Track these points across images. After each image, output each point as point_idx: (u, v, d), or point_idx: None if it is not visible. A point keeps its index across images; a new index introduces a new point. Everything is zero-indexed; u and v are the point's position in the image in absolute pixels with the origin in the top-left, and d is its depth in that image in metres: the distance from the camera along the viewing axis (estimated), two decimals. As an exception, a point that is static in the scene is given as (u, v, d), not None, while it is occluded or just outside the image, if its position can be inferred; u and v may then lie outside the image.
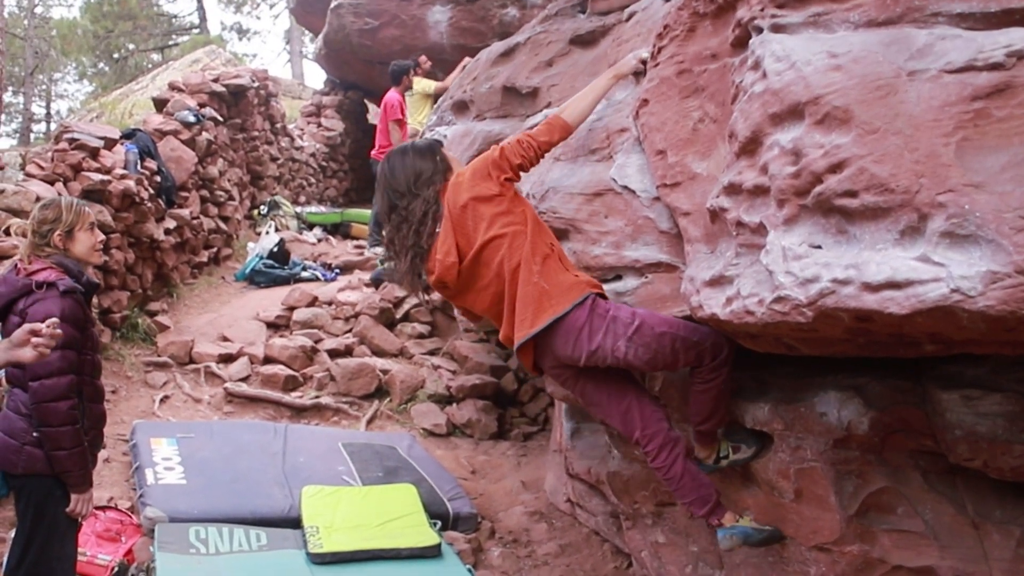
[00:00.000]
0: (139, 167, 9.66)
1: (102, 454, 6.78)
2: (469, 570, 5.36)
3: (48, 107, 37.82)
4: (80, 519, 4.20)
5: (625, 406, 4.07)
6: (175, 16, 37.18)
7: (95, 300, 8.21)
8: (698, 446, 4.16)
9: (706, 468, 4.15)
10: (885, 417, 3.62)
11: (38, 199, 7.56)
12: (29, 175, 8.13)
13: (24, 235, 4.19)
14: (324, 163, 17.24)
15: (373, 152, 12.58)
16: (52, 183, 8.09)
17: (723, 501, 4.10)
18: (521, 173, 4.15)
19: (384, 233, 4.39)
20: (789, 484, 3.91)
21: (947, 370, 3.50)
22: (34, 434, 3.99)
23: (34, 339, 3.03)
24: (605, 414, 4.25)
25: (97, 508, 5.71)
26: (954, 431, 3.38)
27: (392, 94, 12.07)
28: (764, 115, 2.83)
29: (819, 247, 2.65)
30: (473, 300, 4.22)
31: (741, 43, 3.21)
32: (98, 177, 8.54)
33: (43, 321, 3.70)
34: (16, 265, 4.11)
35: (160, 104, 12.19)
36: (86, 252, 4.17)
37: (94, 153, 8.86)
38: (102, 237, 4.14)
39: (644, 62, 4.12)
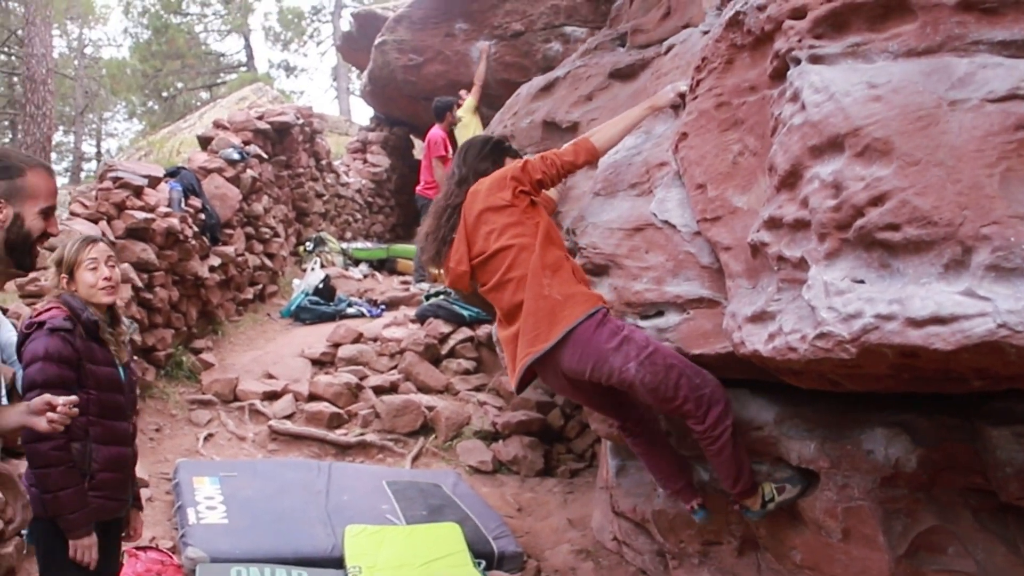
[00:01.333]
0: (183, 205, 9.73)
1: (145, 492, 6.81)
2: (513, 610, 5.30)
3: (98, 146, 38.46)
4: (87, 566, 3.97)
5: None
6: (223, 55, 37.77)
7: (139, 339, 8.27)
8: (741, 503, 4.09)
9: (755, 515, 4.08)
10: (933, 454, 3.54)
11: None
12: (73, 214, 8.22)
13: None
14: (370, 199, 17.30)
15: (418, 188, 12.61)
16: (96, 221, 8.16)
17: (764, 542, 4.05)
18: (541, 189, 4.22)
19: None
20: (836, 524, 3.82)
21: (996, 406, 3.43)
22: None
23: (49, 414, 3.01)
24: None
25: (138, 548, 5.71)
26: (1005, 468, 3.29)
27: (435, 131, 12.13)
28: (803, 148, 2.78)
29: (862, 282, 2.59)
30: (496, 300, 4.27)
31: (779, 75, 3.16)
32: (142, 215, 8.61)
33: (29, 362, 3.81)
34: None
35: (204, 142, 12.30)
36: (87, 292, 4.11)
37: (138, 191, 8.94)
38: (107, 274, 4.05)
39: (683, 95, 4.09)
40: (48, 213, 2.88)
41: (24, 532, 4.05)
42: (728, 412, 3.89)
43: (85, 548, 3.92)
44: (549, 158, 4.17)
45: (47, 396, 3.05)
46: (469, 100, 12.47)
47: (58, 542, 3.92)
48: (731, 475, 3.98)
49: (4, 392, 3.44)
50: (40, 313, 3.97)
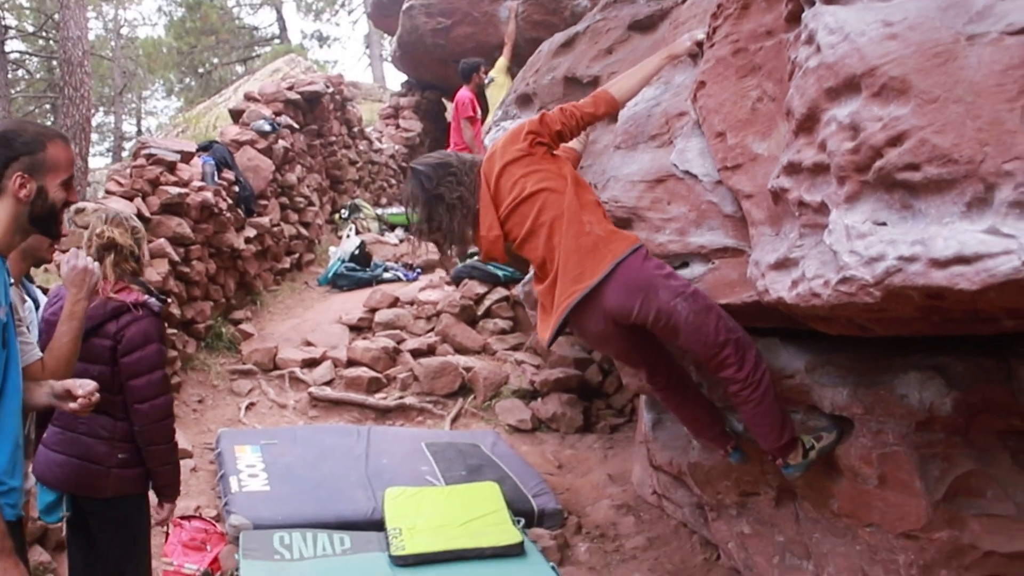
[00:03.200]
0: (216, 178, 9.79)
1: (189, 463, 6.91)
2: (553, 568, 5.30)
3: (138, 125, 38.70)
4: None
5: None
6: (256, 28, 37.73)
7: (178, 312, 8.35)
8: (783, 459, 3.98)
9: (798, 468, 3.96)
10: (969, 397, 3.50)
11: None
12: (109, 192, 8.30)
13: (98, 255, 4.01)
14: (404, 164, 17.26)
15: (448, 150, 12.54)
16: (131, 199, 8.23)
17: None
18: (560, 140, 4.13)
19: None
20: (872, 470, 3.79)
21: (1032, 345, 3.37)
22: (120, 456, 3.98)
23: (70, 404, 3.04)
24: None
25: (182, 518, 5.80)
26: (1042, 409, 3.25)
27: (463, 92, 12.04)
28: (820, 90, 2.73)
29: (884, 224, 2.54)
30: (530, 251, 4.14)
31: (795, 17, 3.11)
32: (176, 190, 8.66)
33: (141, 345, 3.92)
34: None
35: (236, 115, 12.34)
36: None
37: (171, 167, 9.00)
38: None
39: (700, 44, 4.03)
40: (68, 183, 2.94)
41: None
42: (762, 357, 3.84)
43: (172, 509, 4.29)
44: (568, 109, 4.09)
45: (68, 383, 3.08)
46: (501, 60, 12.38)
47: (140, 516, 4.15)
48: (775, 425, 3.87)
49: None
50: (127, 293, 3.98)
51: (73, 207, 3.47)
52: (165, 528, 4.66)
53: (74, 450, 3.93)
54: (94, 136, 30.22)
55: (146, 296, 4.04)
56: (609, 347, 4.29)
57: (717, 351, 3.77)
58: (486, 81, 12.31)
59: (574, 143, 4.44)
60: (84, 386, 3.09)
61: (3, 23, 24.26)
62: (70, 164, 2.94)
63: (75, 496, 3.98)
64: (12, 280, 3.14)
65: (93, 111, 21.67)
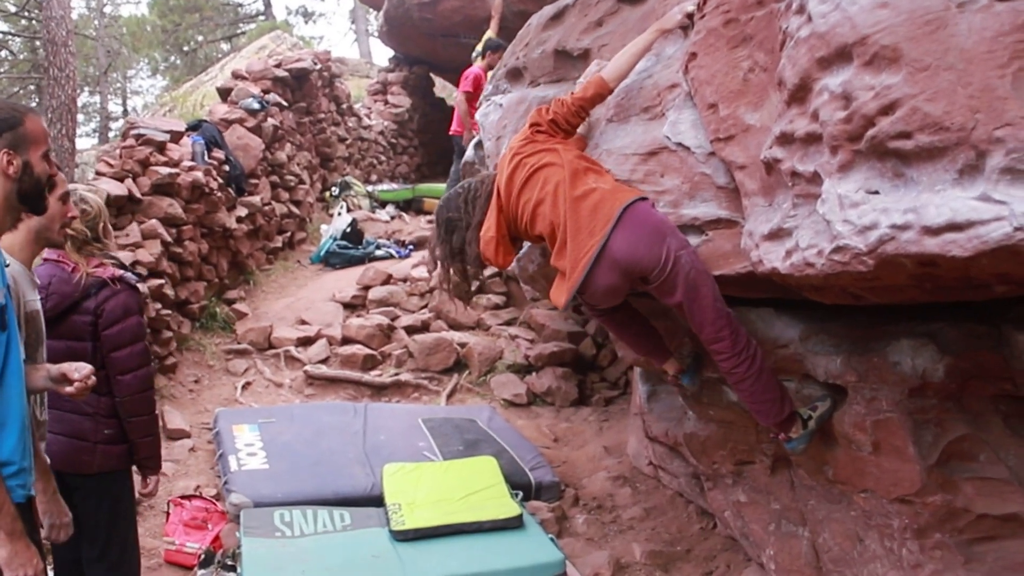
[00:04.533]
0: (206, 158, 9.76)
1: (187, 443, 6.93)
2: (551, 539, 5.34)
3: (124, 104, 38.44)
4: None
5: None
6: (240, 5, 37.46)
7: (172, 292, 8.35)
8: (784, 433, 4.00)
9: (800, 441, 3.99)
10: (961, 363, 3.52)
11: (108, 197, 7.69)
12: (99, 173, 8.27)
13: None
14: (393, 140, 17.25)
15: (451, 128, 12.38)
16: (121, 179, 8.21)
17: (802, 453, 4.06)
18: (557, 128, 4.18)
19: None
20: (866, 437, 3.82)
21: (1023, 311, 3.39)
22: (106, 431, 4.04)
23: (67, 388, 3.06)
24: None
25: (183, 497, 5.83)
26: (1033, 373, 3.27)
27: (474, 67, 11.89)
28: (811, 60, 2.74)
29: (876, 192, 2.56)
30: (541, 226, 4.13)
31: (786, -13, 3.11)
32: (166, 171, 8.65)
33: (122, 318, 3.97)
34: (63, 263, 3.99)
35: (224, 94, 12.30)
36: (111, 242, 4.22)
37: (161, 147, 8.98)
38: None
39: (690, 15, 4.03)
40: (47, 156, 2.92)
41: None
42: (750, 339, 3.86)
43: (157, 481, 4.37)
44: (559, 99, 4.18)
45: (64, 367, 3.10)
46: (488, 34, 12.33)
47: (126, 490, 4.25)
48: (774, 401, 3.90)
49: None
50: (103, 269, 4.02)
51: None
52: (151, 502, 4.69)
53: (60, 428, 3.96)
54: (80, 117, 29.96)
55: (122, 271, 4.10)
56: (615, 299, 4.24)
57: (713, 317, 3.77)
58: (473, 56, 12.26)
59: (581, 128, 4.45)
60: (80, 369, 3.10)
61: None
62: (46, 136, 2.94)
63: (61, 474, 3.88)
64: (7, 263, 3.15)
65: (78, 91, 21.50)
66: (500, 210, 4.25)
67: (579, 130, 4.44)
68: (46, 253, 3.91)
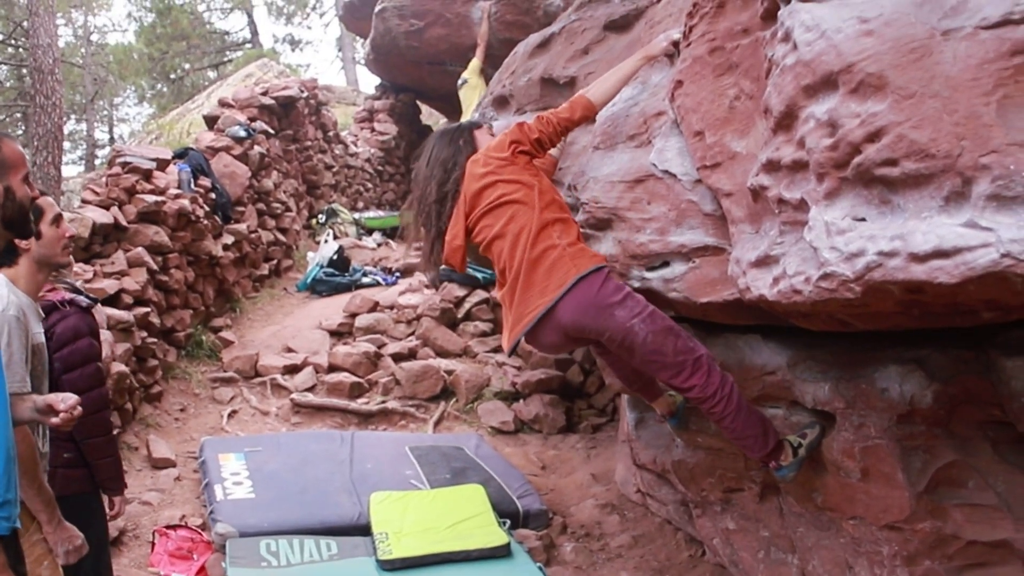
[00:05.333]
0: (193, 185, 9.75)
1: (173, 472, 6.88)
2: (539, 568, 5.32)
3: (111, 132, 38.43)
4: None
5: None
6: (227, 32, 37.55)
7: (158, 320, 8.31)
8: (775, 461, 3.99)
9: (791, 469, 3.98)
10: (949, 389, 3.53)
11: (94, 225, 7.67)
12: (85, 201, 8.23)
13: None
14: (380, 167, 17.27)
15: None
16: (107, 207, 8.18)
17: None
18: (540, 148, 4.20)
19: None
20: (855, 464, 3.81)
21: (1010, 336, 3.39)
22: (65, 455, 4.04)
23: (52, 419, 3.04)
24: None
25: (168, 527, 5.78)
26: (1021, 399, 3.28)
27: None
28: (797, 88, 2.74)
29: (863, 219, 2.56)
30: (496, 253, 4.20)
31: (771, 15, 3.12)
32: (152, 199, 8.62)
33: (72, 340, 3.99)
34: None
35: (211, 121, 12.30)
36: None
37: (147, 175, 8.96)
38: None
39: (676, 43, 4.05)
40: (27, 179, 2.89)
41: None
42: (724, 376, 3.88)
43: (123, 502, 4.35)
44: (545, 117, 4.16)
45: (50, 398, 3.08)
46: (474, 62, 12.37)
47: (94, 514, 4.22)
48: (758, 432, 3.91)
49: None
50: (55, 293, 4.04)
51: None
52: (136, 532, 4.77)
53: None
54: (66, 144, 29.95)
55: (73, 294, 4.12)
56: (560, 352, 4.43)
57: (676, 371, 3.86)
58: (459, 83, 12.30)
59: (552, 150, 4.48)
60: (66, 400, 3.08)
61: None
62: (24, 159, 2.91)
63: None
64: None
65: (65, 119, 21.52)
66: (465, 217, 4.26)
67: (552, 152, 4.49)
68: None
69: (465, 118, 12.04)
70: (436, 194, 4.30)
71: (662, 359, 3.84)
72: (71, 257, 3.71)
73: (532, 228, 3.96)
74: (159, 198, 8.77)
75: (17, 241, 3.28)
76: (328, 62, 71.52)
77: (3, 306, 3.19)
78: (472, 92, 12.05)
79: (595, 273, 3.89)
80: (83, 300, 4.15)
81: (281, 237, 12.58)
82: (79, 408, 3.11)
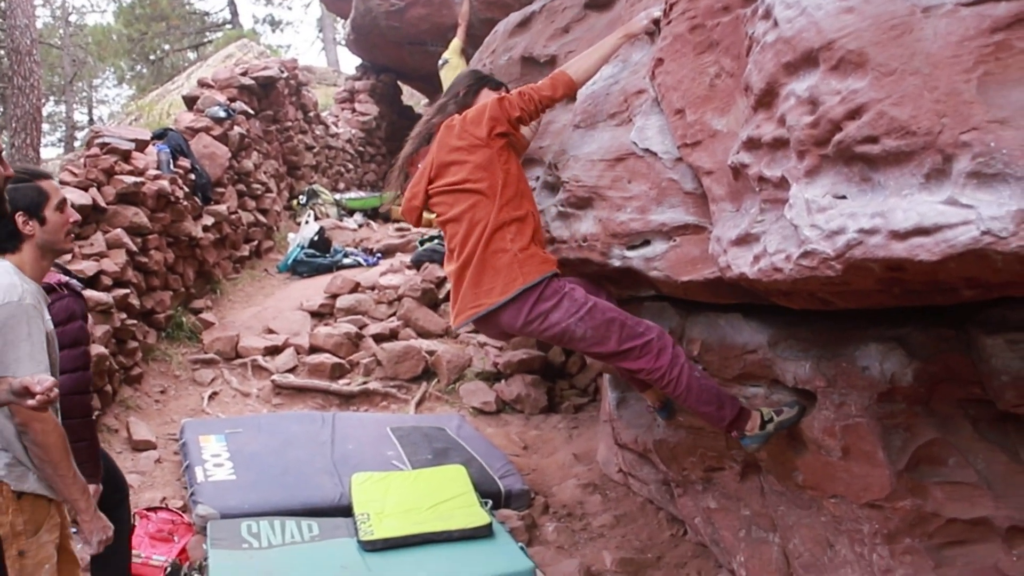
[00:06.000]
0: (172, 166, 9.67)
1: (153, 454, 6.86)
2: (521, 548, 5.31)
3: (90, 114, 38.13)
4: None
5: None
6: (207, 13, 37.20)
7: (137, 302, 8.27)
8: (740, 431, 4.06)
9: (756, 440, 4.03)
10: (930, 367, 3.53)
11: (73, 206, 7.60)
12: (63, 182, 8.14)
13: None
14: (361, 148, 17.21)
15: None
16: (86, 188, 8.10)
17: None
18: (520, 125, 4.24)
19: None
20: (836, 442, 3.82)
21: (991, 314, 3.39)
22: None
23: (28, 401, 3.02)
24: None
25: (149, 509, 5.76)
26: (1001, 377, 3.27)
27: None
28: (778, 65, 2.73)
29: (843, 197, 2.55)
30: (451, 232, 4.29)
31: (752, -8, 3.10)
32: (131, 180, 8.55)
33: (65, 321, 3.98)
34: None
35: (190, 102, 12.20)
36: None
37: (126, 156, 8.88)
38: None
39: (656, 21, 4.03)
40: (0, 157, 2.88)
41: None
42: (680, 351, 4.00)
43: (98, 492, 4.17)
44: (527, 93, 4.14)
45: (25, 380, 3.05)
46: (455, 42, 12.31)
47: None
48: (712, 403, 4.01)
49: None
50: (50, 275, 4.02)
51: None
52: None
53: None
54: (45, 126, 29.63)
55: (67, 277, 4.19)
56: (508, 340, 4.62)
57: (622, 357, 4.02)
58: (440, 63, 12.24)
59: (525, 130, 4.48)
60: (42, 382, 3.06)
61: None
62: None
63: None
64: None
65: (43, 101, 21.31)
66: (428, 182, 4.32)
67: (526, 132, 4.50)
68: None
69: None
70: (430, 126, 4.47)
71: (605, 349, 4.01)
72: (74, 243, 3.71)
73: (488, 226, 4.06)
74: (138, 179, 8.70)
75: (21, 226, 3.34)
76: (309, 43, 70.89)
77: (19, 296, 3.19)
78: (453, 72, 11.98)
79: (538, 285, 4.01)
80: (76, 284, 4.19)
81: (261, 218, 12.52)
82: (56, 391, 3.09)
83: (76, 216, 3.68)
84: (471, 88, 4.51)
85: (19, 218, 3.36)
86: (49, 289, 3.97)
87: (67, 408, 4.00)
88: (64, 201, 3.55)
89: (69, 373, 4.03)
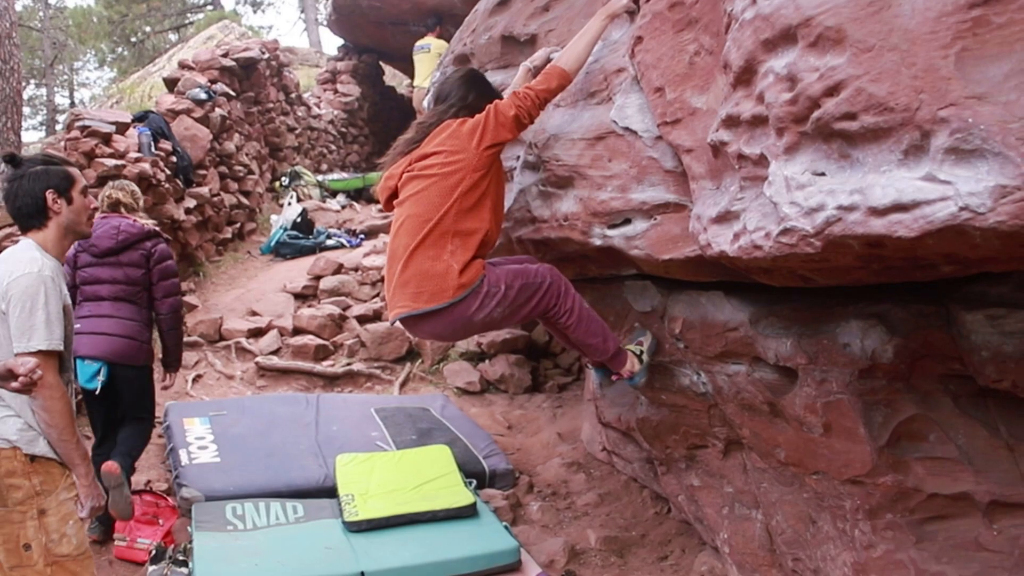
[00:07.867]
0: (153, 149, 9.64)
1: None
2: (506, 527, 5.34)
3: (71, 97, 37.91)
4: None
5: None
6: (188, -6, 37.05)
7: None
8: (618, 370, 4.45)
9: (642, 374, 4.48)
10: (910, 343, 3.53)
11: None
12: (43, 165, 8.10)
13: (118, 199, 5.85)
14: (343, 129, 17.15)
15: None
16: (66, 171, 8.06)
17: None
18: (518, 127, 4.20)
19: None
20: (817, 419, 3.82)
21: (970, 290, 3.40)
22: (146, 335, 5.68)
23: (12, 384, 3.14)
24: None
25: (134, 492, 5.75)
26: (980, 352, 3.28)
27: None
28: (756, 42, 2.72)
29: (822, 174, 2.55)
30: (399, 210, 4.34)
31: (730, -31, 3.09)
32: (112, 162, 8.53)
33: (169, 256, 5.86)
34: (125, 217, 5.79)
35: (171, 84, 12.15)
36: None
37: (106, 139, 8.85)
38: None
39: (636, 0, 4.02)
40: None
41: None
42: (569, 285, 4.30)
43: (174, 378, 6.19)
44: (522, 92, 4.15)
45: (10, 363, 3.18)
46: (443, 44, 12.26)
47: (153, 379, 5.94)
48: (599, 335, 4.35)
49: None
50: (135, 224, 5.74)
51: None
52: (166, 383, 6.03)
53: (117, 330, 5.48)
54: (26, 110, 29.50)
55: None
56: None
57: (539, 309, 4.29)
58: (417, 47, 12.23)
59: None
60: (25, 364, 3.12)
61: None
62: None
63: (111, 365, 5.42)
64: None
65: (24, 84, 21.15)
66: (408, 164, 4.33)
67: None
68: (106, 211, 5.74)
69: (418, 83, 12.03)
70: (430, 119, 4.46)
71: (527, 314, 4.29)
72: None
73: (431, 225, 4.09)
74: (119, 162, 8.68)
75: (51, 203, 3.55)
76: (291, 24, 70.89)
77: (38, 267, 3.41)
78: (428, 63, 12.01)
79: (468, 297, 4.09)
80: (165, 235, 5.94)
81: (244, 200, 12.48)
82: (38, 372, 3.16)
83: (96, 203, 3.91)
84: (483, 96, 4.47)
85: (49, 195, 3.55)
86: (155, 232, 5.81)
87: (172, 321, 5.85)
88: (87, 188, 3.75)
89: (175, 296, 5.84)
